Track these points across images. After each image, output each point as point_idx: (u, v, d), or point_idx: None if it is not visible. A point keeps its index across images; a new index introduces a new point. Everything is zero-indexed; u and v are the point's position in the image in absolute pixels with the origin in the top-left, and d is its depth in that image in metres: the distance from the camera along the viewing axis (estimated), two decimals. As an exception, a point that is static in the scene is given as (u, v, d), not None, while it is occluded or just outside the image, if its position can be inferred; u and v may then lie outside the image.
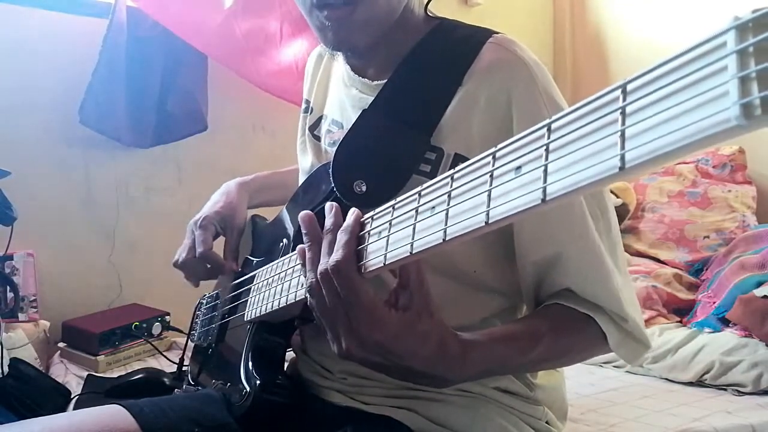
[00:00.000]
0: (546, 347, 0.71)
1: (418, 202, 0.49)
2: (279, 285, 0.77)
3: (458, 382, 0.66)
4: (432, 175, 0.75)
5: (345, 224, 0.58)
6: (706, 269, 1.94)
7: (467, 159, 0.45)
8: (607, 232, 0.76)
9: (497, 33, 0.79)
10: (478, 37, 0.79)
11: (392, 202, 0.54)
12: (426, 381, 0.63)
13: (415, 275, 0.57)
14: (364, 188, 0.76)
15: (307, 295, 0.62)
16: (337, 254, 0.57)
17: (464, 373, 0.64)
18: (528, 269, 0.76)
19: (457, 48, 0.80)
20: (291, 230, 0.88)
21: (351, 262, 0.56)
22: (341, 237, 0.57)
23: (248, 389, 0.81)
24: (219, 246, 1.06)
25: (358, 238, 0.57)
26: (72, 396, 1.40)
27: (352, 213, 0.59)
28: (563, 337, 0.73)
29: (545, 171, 0.36)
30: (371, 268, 0.55)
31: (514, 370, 0.79)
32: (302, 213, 0.63)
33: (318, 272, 0.59)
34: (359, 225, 0.58)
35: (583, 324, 0.73)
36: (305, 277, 0.62)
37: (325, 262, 0.58)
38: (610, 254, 0.75)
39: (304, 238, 0.62)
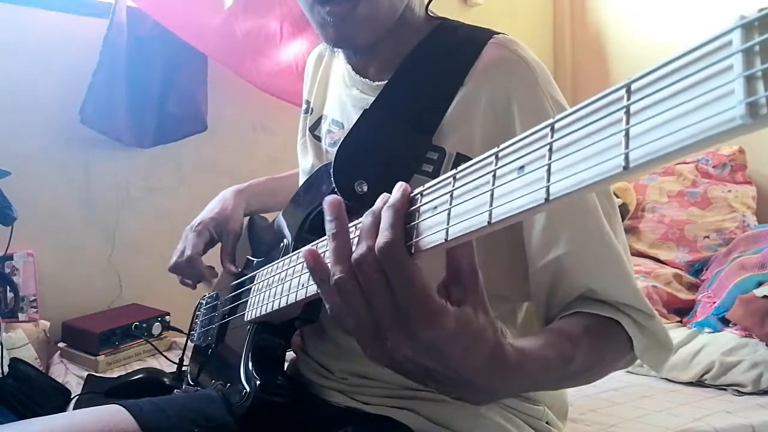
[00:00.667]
0: (584, 355, 0.65)
1: (420, 202, 0.49)
2: (280, 285, 0.76)
3: (505, 395, 0.60)
4: (434, 175, 0.75)
5: (391, 200, 0.49)
6: (706, 269, 1.94)
7: (469, 159, 0.45)
8: (620, 231, 0.75)
9: (498, 33, 0.79)
10: (480, 37, 0.79)
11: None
12: (468, 391, 0.54)
13: (467, 265, 0.49)
14: (365, 188, 0.76)
15: (335, 291, 0.51)
16: (387, 233, 0.47)
17: (516, 384, 0.57)
18: (540, 272, 0.73)
19: (458, 48, 0.80)
20: (292, 231, 0.88)
21: (401, 243, 0.47)
22: (388, 214, 0.48)
23: (248, 389, 0.81)
24: (216, 253, 1.07)
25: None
26: (72, 396, 1.40)
27: (400, 187, 0.50)
28: (598, 342, 0.68)
29: (548, 170, 0.36)
30: None
31: (552, 383, 0.71)
32: (328, 197, 0.53)
33: (355, 259, 0.49)
34: (407, 202, 0.49)
35: (611, 329, 0.70)
36: (332, 272, 0.51)
37: (368, 245, 0.48)
38: (623, 252, 0.74)
39: (329, 226, 0.52)
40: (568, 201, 0.36)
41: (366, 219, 0.50)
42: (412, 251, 0.47)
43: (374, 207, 0.51)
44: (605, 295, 0.71)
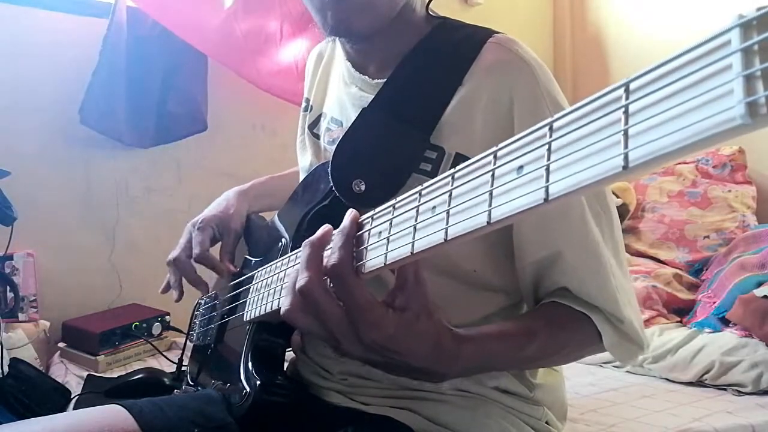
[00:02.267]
0: (540, 344, 0.71)
1: (419, 202, 0.49)
2: (278, 285, 0.76)
3: (452, 376, 0.66)
4: (433, 174, 0.75)
5: (341, 226, 0.57)
6: (706, 269, 1.94)
7: (468, 159, 0.45)
8: (610, 231, 0.76)
9: (498, 33, 0.79)
10: (479, 36, 0.79)
11: (392, 202, 0.53)
12: (423, 376, 0.63)
13: (412, 276, 0.57)
14: (363, 187, 0.76)
15: (298, 299, 0.59)
16: (334, 257, 0.56)
17: (457, 368, 0.64)
18: (527, 270, 0.76)
19: (457, 47, 0.80)
20: (290, 230, 0.88)
21: (347, 264, 0.55)
22: (337, 239, 0.56)
23: (248, 389, 0.81)
24: (215, 251, 1.06)
25: (357, 239, 0.57)
26: (72, 396, 1.40)
27: (349, 214, 0.58)
28: (558, 334, 0.73)
29: (547, 170, 0.36)
30: (371, 269, 0.55)
31: (508, 366, 0.79)
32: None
33: (301, 286, 0.57)
34: (355, 226, 0.57)
35: (578, 322, 0.73)
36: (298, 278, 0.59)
37: (310, 274, 0.57)
38: (612, 253, 0.75)
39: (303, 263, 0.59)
40: (566, 201, 0.36)
41: (305, 250, 0.59)
42: (363, 271, 0.55)
43: (313, 237, 0.60)
44: (580, 295, 0.74)
